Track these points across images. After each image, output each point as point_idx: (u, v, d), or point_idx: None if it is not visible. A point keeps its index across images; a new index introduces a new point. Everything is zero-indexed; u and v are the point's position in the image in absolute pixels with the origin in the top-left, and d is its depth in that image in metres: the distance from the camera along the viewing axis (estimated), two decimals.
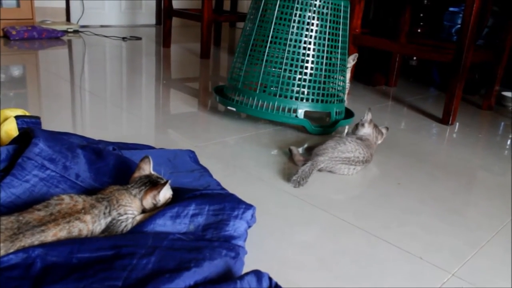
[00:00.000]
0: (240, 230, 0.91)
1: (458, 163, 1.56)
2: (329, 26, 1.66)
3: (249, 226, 0.97)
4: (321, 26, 1.65)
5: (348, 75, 2.17)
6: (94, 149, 1.17)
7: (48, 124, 1.45)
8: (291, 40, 1.63)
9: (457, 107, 1.99)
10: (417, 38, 2.62)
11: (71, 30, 3.72)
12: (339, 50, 1.71)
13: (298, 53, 1.64)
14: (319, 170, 1.32)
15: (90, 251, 0.78)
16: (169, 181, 1.00)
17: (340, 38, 1.71)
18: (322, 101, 1.69)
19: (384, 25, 2.85)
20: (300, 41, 1.63)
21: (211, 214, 0.94)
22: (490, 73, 2.28)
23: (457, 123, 2.03)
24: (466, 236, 1.07)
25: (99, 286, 0.70)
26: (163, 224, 0.92)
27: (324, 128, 1.70)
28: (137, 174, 1.02)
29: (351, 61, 2.12)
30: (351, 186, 1.30)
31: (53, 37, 3.38)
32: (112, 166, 1.13)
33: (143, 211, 0.98)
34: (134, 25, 4.51)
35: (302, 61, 1.64)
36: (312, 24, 1.63)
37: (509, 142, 1.87)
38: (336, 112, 1.74)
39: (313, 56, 1.65)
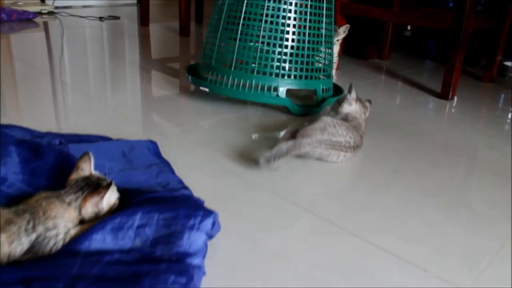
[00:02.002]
0: (197, 245, 0.72)
1: (461, 143, 1.37)
2: None
3: (211, 237, 0.78)
4: None
5: (337, 48, 1.97)
6: (32, 145, 0.98)
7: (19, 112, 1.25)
8: (268, 8, 1.42)
9: (457, 80, 1.79)
10: (411, 6, 2.41)
11: (45, 11, 3.46)
12: (324, 19, 1.50)
13: (277, 23, 1.43)
14: (302, 156, 1.13)
15: None
16: (113, 183, 0.81)
17: (324, 5, 1.49)
18: (306, 77, 1.49)
19: None
20: (279, 9, 1.42)
21: (161, 224, 0.75)
22: (491, 42, 2.08)
23: (459, 98, 1.84)
24: (478, 236, 0.89)
25: None
26: (102, 240, 0.73)
27: (309, 107, 1.50)
28: (74, 176, 0.83)
29: (341, 33, 1.91)
30: (339, 177, 1.11)
31: (25, 19, 3.12)
32: (51, 165, 0.94)
33: (82, 221, 0.79)
34: (115, 4, 4.24)
35: (282, 32, 1.43)
36: None
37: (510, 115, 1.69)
38: (323, 89, 1.54)
39: (294, 26, 1.44)
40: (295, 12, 1.43)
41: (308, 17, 1.45)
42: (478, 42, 2.43)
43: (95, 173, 0.85)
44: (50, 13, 3.47)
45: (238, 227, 0.86)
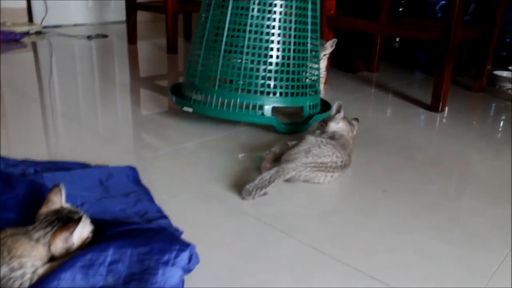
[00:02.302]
0: (173, 281, 0.68)
1: (453, 158, 1.34)
2: (296, 7, 1.42)
3: (189, 271, 0.74)
4: (286, 7, 1.40)
5: (324, 62, 1.94)
6: (2, 176, 0.93)
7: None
8: (251, 25, 1.39)
9: (447, 91, 1.76)
10: (399, 18, 2.39)
11: (33, 31, 3.42)
12: (309, 34, 1.47)
13: (261, 39, 1.40)
14: (288, 181, 1.09)
15: None
16: (84, 216, 0.76)
17: (309, 20, 1.46)
18: (292, 94, 1.45)
19: (362, 6, 2.61)
20: (262, 26, 1.39)
21: (135, 260, 0.70)
22: (480, 51, 2.06)
23: (450, 110, 1.81)
24: (472, 258, 0.85)
25: None
26: (72, 279, 0.68)
27: (296, 125, 1.46)
28: (44, 210, 0.78)
29: (328, 47, 1.88)
30: (326, 199, 1.07)
31: (11, 40, 3.08)
32: (22, 198, 0.89)
33: (53, 258, 0.74)
34: (104, 22, 4.21)
35: (266, 48, 1.40)
36: (275, 5, 1.39)
37: (504, 125, 1.66)
38: (310, 105, 1.50)
39: (278, 42, 1.41)
40: (279, 27, 1.40)
41: (292, 32, 1.42)
42: (467, 51, 2.41)
43: (66, 205, 0.80)
44: (38, 33, 3.44)
45: (218, 258, 0.81)
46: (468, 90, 2.13)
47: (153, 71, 2.36)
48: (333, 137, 1.19)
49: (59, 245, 0.73)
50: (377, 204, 1.04)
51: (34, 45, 2.99)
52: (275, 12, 1.39)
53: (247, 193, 1.01)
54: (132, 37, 3.06)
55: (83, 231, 0.76)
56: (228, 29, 1.40)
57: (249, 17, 1.38)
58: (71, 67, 2.33)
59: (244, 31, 1.39)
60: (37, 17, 3.74)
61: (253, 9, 1.38)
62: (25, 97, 1.73)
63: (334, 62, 2.33)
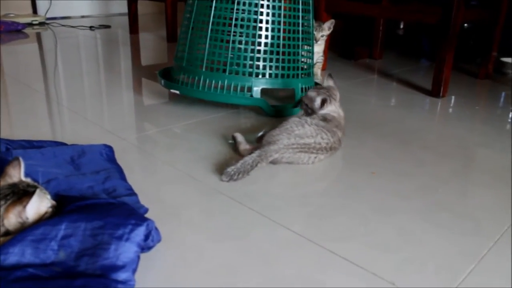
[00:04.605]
0: (126, 257, 0.63)
1: (451, 142, 1.27)
2: None
3: (149, 248, 0.69)
4: None
5: (322, 46, 1.88)
6: None
7: None
8: (239, 3, 1.33)
9: (449, 76, 1.69)
10: (403, 3, 2.31)
11: (36, 22, 3.42)
12: (301, 14, 1.42)
13: (249, 19, 1.34)
14: (272, 163, 1.04)
15: None
16: (40, 190, 0.72)
17: (300, 0, 1.41)
18: (283, 75, 1.40)
19: None
20: (251, 4, 1.34)
21: (88, 234, 0.66)
22: (486, 37, 1.98)
23: (452, 96, 1.73)
24: (459, 242, 0.79)
25: None
26: (21, 253, 0.64)
27: (286, 108, 1.41)
28: (1, 183, 0.74)
29: (326, 28, 1.82)
30: (309, 180, 1.02)
31: (13, 30, 3.07)
32: None
33: (8, 233, 0.70)
34: (109, 14, 4.20)
35: (255, 28, 1.35)
36: None
37: (511, 114, 1.58)
38: (302, 88, 1.44)
39: (267, 22, 1.35)
40: (268, 7, 1.35)
41: (282, 11, 1.36)
42: (474, 38, 2.33)
43: (25, 179, 0.76)
44: (41, 24, 3.43)
45: (185, 237, 0.76)
46: (474, 77, 2.05)
47: (151, 60, 2.31)
48: (325, 119, 1.12)
49: (12, 219, 0.69)
50: (363, 186, 0.98)
51: (36, 36, 2.97)
52: None
53: (227, 177, 0.96)
54: (133, 27, 3.03)
55: (40, 206, 0.72)
56: (216, 9, 1.35)
57: None
58: (73, 55, 2.30)
59: (232, 10, 1.34)
60: (41, 9, 3.73)
61: None
62: (27, 84, 1.71)
63: (336, 49, 2.27)
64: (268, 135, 1.06)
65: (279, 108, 1.39)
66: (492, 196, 0.96)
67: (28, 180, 0.77)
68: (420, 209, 0.89)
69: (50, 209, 0.74)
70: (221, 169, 0.99)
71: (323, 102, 1.14)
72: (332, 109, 1.17)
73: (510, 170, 1.09)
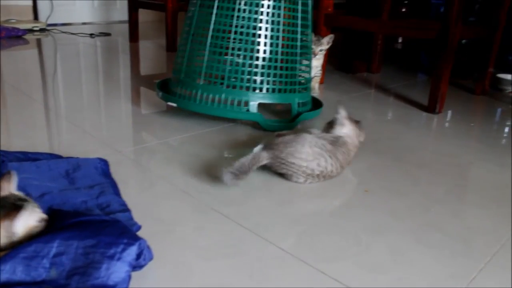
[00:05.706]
0: (117, 277, 0.63)
1: (445, 160, 1.28)
2: (285, 0, 1.38)
3: (141, 267, 0.70)
4: (275, 0, 1.36)
5: (321, 60, 1.89)
6: None
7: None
8: (238, 18, 1.35)
9: (445, 92, 1.70)
10: (401, 19, 2.33)
11: (37, 28, 3.43)
12: (299, 29, 1.43)
13: (248, 33, 1.35)
14: (270, 167, 1.05)
15: None
16: (29, 204, 0.73)
17: (299, 15, 1.42)
18: (280, 90, 1.41)
19: (363, 6, 2.56)
20: (250, 19, 1.35)
21: (80, 253, 0.66)
22: (483, 53, 1.99)
23: (448, 112, 1.75)
24: (450, 263, 0.79)
25: None
26: (12, 271, 0.65)
27: (282, 123, 1.42)
28: None
29: (325, 43, 1.84)
30: (302, 198, 1.02)
31: (14, 36, 3.09)
32: None
33: None
34: (109, 21, 4.22)
35: (253, 43, 1.36)
36: None
37: (507, 129, 1.59)
38: (298, 103, 1.45)
39: (265, 37, 1.37)
40: (267, 22, 1.36)
41: (281, 26, 1.38)
42: (472, 54, 2.34)
43: (17, 193, 0.77)
44: (42, 30, 3.44)
45: (177, 255, 0.77)
46: (470, 93, 2.06)
47: (150, 69, 2.33)
48: (336, 142, 1.09)
49: (0, 233, 0.70)
50: (356, 204, 0.99)
51: (37, 42, 2.98)
52: (263, 6, 1.35)
53: (230, 177, 0.96)
54: (133, 35, 3.05)
55: (29, 220, 0.72)
56: (215, 22, 1.36)
57: (236, 10, 1.34)
58: (73, 63, 2.31)
59: (231, 25, 1.35)
60: (42, 16, 3.75)
61: (240, 3, 1.34)
62: (26, 94, 1.71)
63: (333, 63, 2.28)
64: (273, 140, 1.07)
65: (275, 123, 1.40)
66: (484, 216, 0.97)
67: (20, 193, 0.77)
68: (412, 229, 0.90)
69: (40, 224, 0.74)
70: (215, 184, 1.00)
71: (339, 107, 1.15)
72: (348, 132, 1.14)
73: (501, 189, 1.10)
